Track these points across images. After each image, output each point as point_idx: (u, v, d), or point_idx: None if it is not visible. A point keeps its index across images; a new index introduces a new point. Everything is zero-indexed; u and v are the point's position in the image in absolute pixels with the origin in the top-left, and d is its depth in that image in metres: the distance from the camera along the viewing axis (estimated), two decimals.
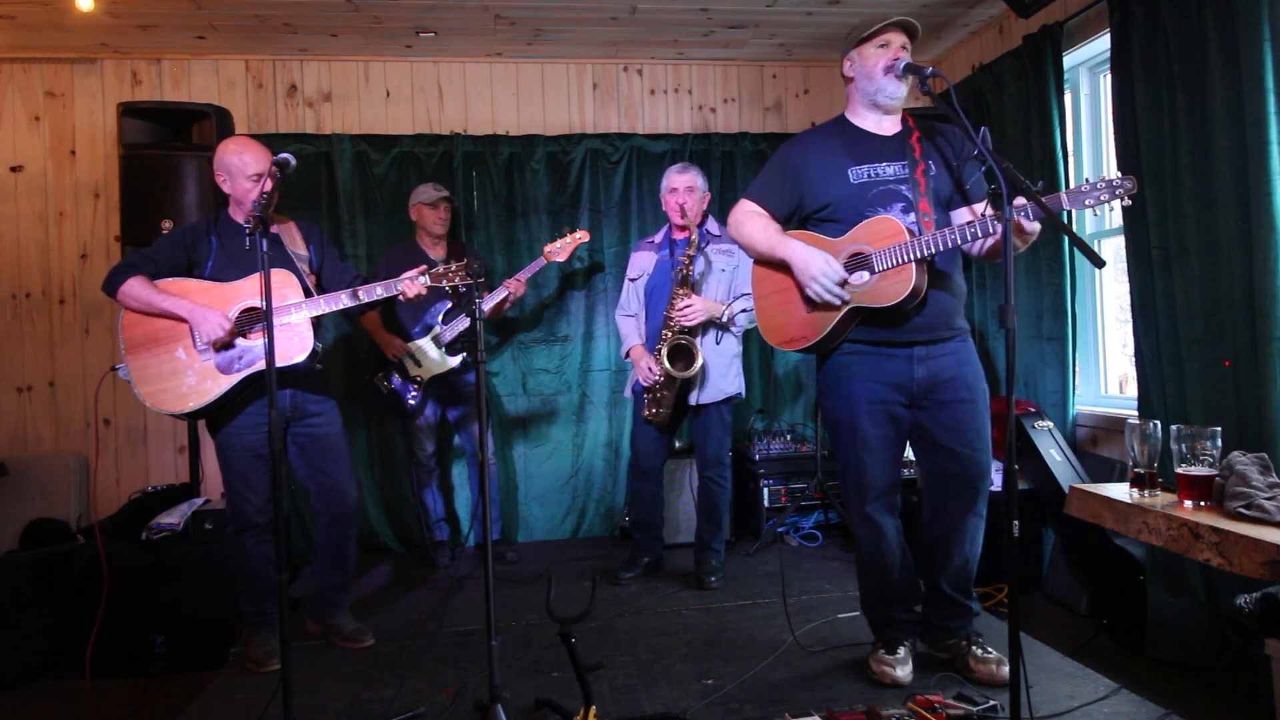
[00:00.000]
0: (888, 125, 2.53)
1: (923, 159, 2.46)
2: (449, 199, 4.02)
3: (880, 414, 2.51)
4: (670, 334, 3.47)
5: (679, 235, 3.62)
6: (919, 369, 2.47)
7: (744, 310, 3.54)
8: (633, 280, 3.78)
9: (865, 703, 2.36)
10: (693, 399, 3.54)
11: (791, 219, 2.63)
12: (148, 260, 2.84)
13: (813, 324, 2.52)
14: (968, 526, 2.53)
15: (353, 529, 3.08)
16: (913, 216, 2.42)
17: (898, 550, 2.60)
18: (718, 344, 3.54)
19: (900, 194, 2.45)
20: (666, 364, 3.45)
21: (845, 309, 2.43)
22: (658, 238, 3.78)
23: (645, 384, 3.58)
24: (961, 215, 2.49)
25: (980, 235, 2.25)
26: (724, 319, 3.50)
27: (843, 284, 2.42)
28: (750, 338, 4.68)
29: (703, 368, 3.50)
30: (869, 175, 2.47)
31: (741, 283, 3.58)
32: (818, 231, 2.54)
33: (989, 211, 2.22)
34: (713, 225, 3.66)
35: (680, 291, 3.47)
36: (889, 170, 2.46)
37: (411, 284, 2.76)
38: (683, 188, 3.56)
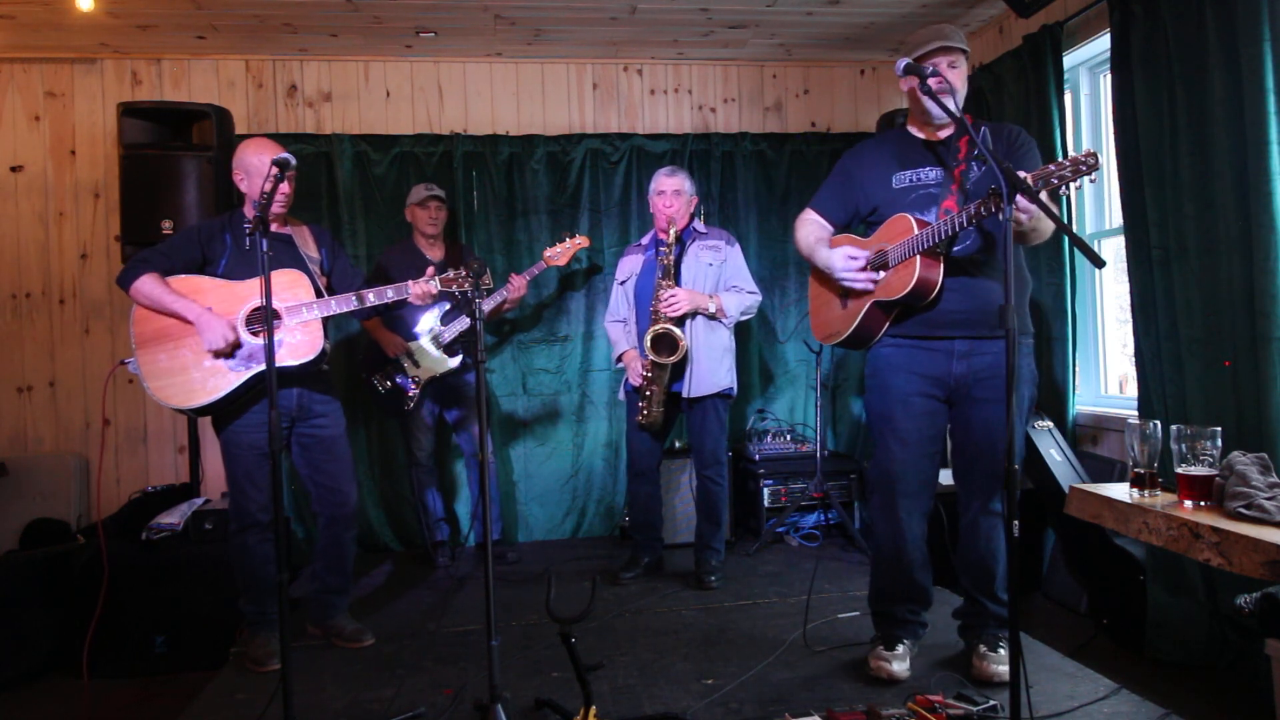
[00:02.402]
0: (942, 132, 2.57)
1: (966, 160, 2.48)
2: (438, 197, 4.02)
3: (916, 407, 2.54)
4: (655, 324, 3.48)
5: (664, 237, 3.64)
6: (958, 365, 2.50)
7: (740, 309, 3.57)
8: (621, 284, 3.80)
9: (865, 702, 2.36)
10: (685, 392, 3.54)
11: (852, 224, 2.74)
12: (162, 256, 2.85)
13: (845, 319, 2.65)
14: (981, 525, 2.57)
15: (351, 531, 3.08)
16: (935, 215, 2.45)
17: (917, 553, 2.61)
18: (710, 333, 3.55)
19: (938, 197, 2.49)
20: (650, 353, 3.46)
21: (867, 305, 2.52)
22: (645, 240, 3.81)
23: (635, 385, 3.59)
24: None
25: (962, 225, 2.25)
26: (711, 309, 3.51)
27: (866, 267, 2.53)
28: (750, 338, 4.70)
29: (693, 358, 3.51)
30: (911, 180, 2.54)
31: (730, 277, 3.60)
32: (868, 235, 2.63)
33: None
34: (699, 224, 3.71)
35: (664, 283, 3.50)
36: (931, 174, 2.52)
37: (420, 291, 2.81)
38: (670, 190, 3.59)
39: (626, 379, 3.72)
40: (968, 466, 2.60)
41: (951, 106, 2.26)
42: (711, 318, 3.54)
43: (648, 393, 3.54)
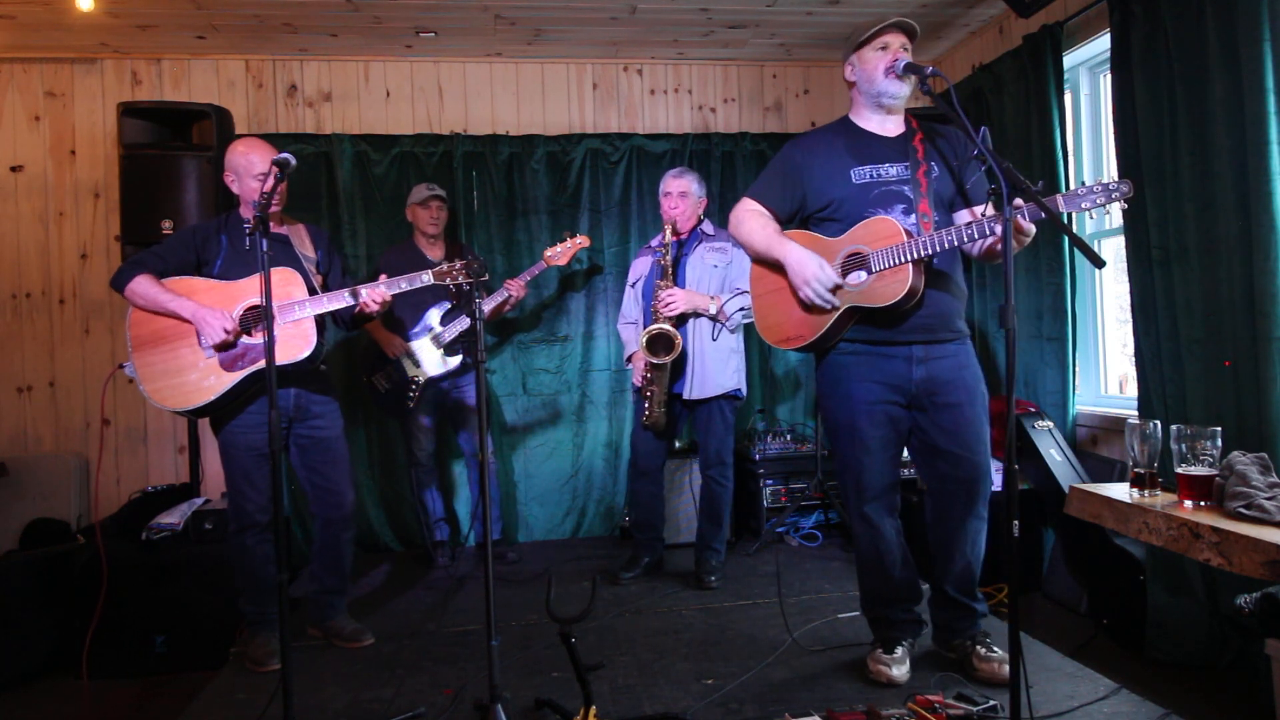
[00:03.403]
0: (891, 126, 2.54)
1: (925, 160, 2.47)
2: (440, 197, 4.03)
3: (879, 414, 2.51)
4: (653, 325, 3.47)
5: (675, 238, 3.65)
6: (917, 370, 2.48)
7: (741, 309, 3.55)
8: (632, 286, 3.80)
9: (865, 703, 2.36)
10: (686, 393, 3.54)
11: (794, 218, 2.64)
12: (156, 258, 2.85)
13: (809, 323, 2.53)
14: (968, 530, 2.54)
15: (349, 532, 3.08)
16: (913, 218, 2.42)
17: (896, 550, 2.61)
18: (714, 339, 3.54)
19: (902, 195, 2.45)
20: (646, 353, 3.45)
21: (842, 310, 2.45)
22: (655, 242, 3.80)
23: (638, 385, 3.59)
24: (964, 217, 2.50)
25: (977, 236, 2.25)
26: (712, 311, 3.50)
27: (836, 289, 2.43)
28: (750, 338, 4.70)
29: (696, 360, 3.51)
30: (871, 176, 2.48)
31: (736, 279, 3.59)
32: (819, 231, 2.54)
33: (989, 212, 2.23)
34: (708, 226, 3.69)
35: (661, 284, 3.50)
36: (891, 171, 2.47)
37: (414, 282, 2.78)
38: (675, 192, 3.59)
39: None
40: (944, 475, 2.55)
41: (955, 104, 2.23)
42: (712, 319, 3.54)
43: (648, 394, 3.54)
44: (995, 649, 2.51)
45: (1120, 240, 3.35)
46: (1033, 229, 2.29)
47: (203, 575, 3.34)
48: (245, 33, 4.15)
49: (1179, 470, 2.02)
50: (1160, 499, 2.06)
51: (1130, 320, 3.21)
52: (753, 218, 2.61)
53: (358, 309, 2.83)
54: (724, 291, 3.57)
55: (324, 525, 3.03)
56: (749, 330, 4.59)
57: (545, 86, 4.73)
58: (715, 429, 3.61)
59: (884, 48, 2.46)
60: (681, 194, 3.59)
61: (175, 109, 3.91)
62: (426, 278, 2.78)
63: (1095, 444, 3.63)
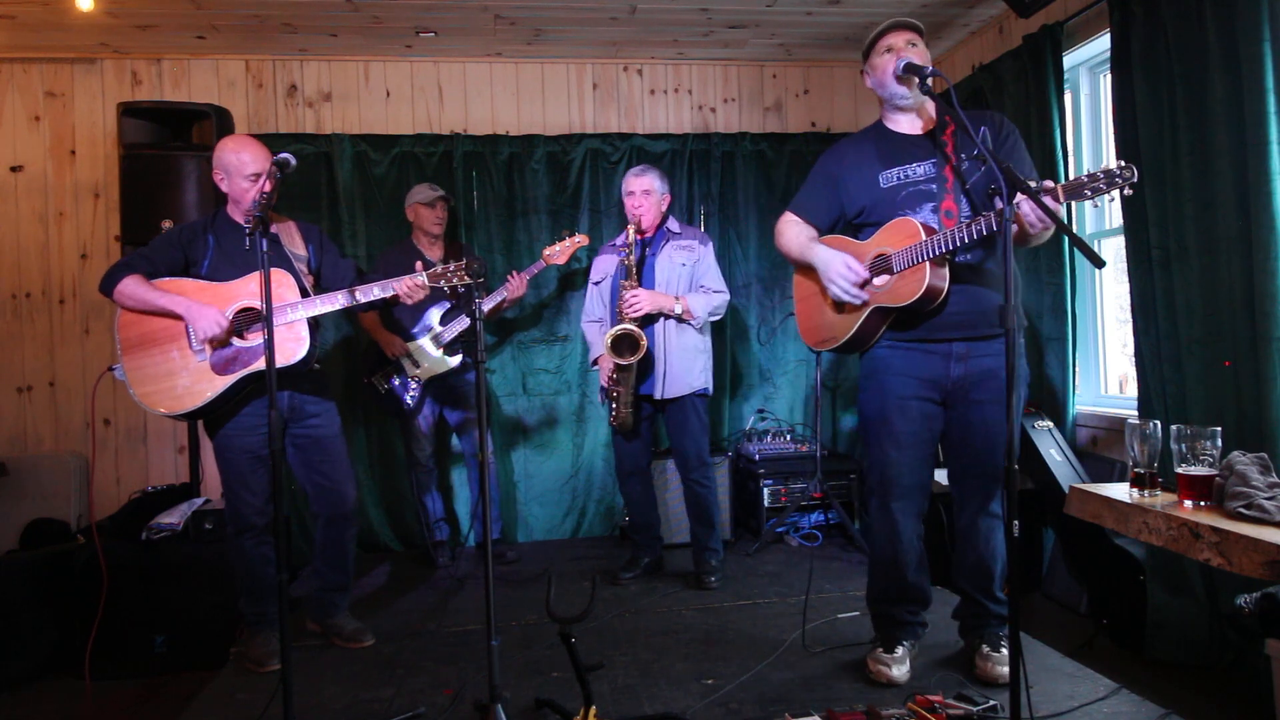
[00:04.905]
0: (920, 124, 2.54)
1: (955, 154, 2.45)
2: (445, 198, 4.02)
3: (912, 409, 2.51)
4: (617, 326, 3.45)
5: (640, 237, 3.63)
6: (956, 367, 2.47)
7: (710, 309, 3.54)
8: (596, 284, 3.74)
9: (865, 703, 2.36)
10: (658, 393, 3.51)
11: (836, 227, 2.67)
12: (144, 259, 2.83)
13: (841, 325, 2.57)
14: (980, 526, 2.56)
15: (351, 530, 3.07)
16: (937, 217, 2.42)
17: (913, 553, 2.60)
18: (680, 334, 3.51)
19: (930, 193, 2.45)
20: (611, 354, 3.43)
21: (868, 310, 2.47)
22: (619, 240, 3.75)
23: (605, 385, 3.58)
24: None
25: (982, 233, 2.22)
26: (678, 311, 3.49)
27: (865, 284, 2.45)
28: (750, 337, 4.70)
29: (664, 359, 3.49)
30: (899, 178, 2.49)
31: (702, 276, 3.57)
32: (856, 237, 2.58)
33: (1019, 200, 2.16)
34: (673, 224, 3.67)
35: (626, 284, 3.48)
36: (919, 170, 2.47)
37: (409, 286, 2.75)
38: (639, 191, 3.56)
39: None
40: (966, 469, 2.58)
41: (955, 104, 2.21)
42: (678, 319, 3.51)
43: (614, 394, 3.52)
44: (1001, 650, 2.50)
45: (1120, 240, 3.35)
46: (1051, 223, 2.18)
47: (203, 575, 3.34)
48: (245, 33, 4.15)
49: (1179, 470, 2.02)
50: (1160, 499, 2.06)
51: (1130, 320, 3.21)
52: (790, 228, 2.69)
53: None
54: (692, 288, 3.55)
55: (326, 524, 3.02)
56: (746, 329, 4.60)
57: (545, 86, 4.73)
58: (691, 429, 3.58)
59: (889, 50, 2.47)
60: (645, 192, 3.55)
61: (175, 109, 3.91)
62: (422, 280, 2.74)
63: (1095, 444, 3.63)
